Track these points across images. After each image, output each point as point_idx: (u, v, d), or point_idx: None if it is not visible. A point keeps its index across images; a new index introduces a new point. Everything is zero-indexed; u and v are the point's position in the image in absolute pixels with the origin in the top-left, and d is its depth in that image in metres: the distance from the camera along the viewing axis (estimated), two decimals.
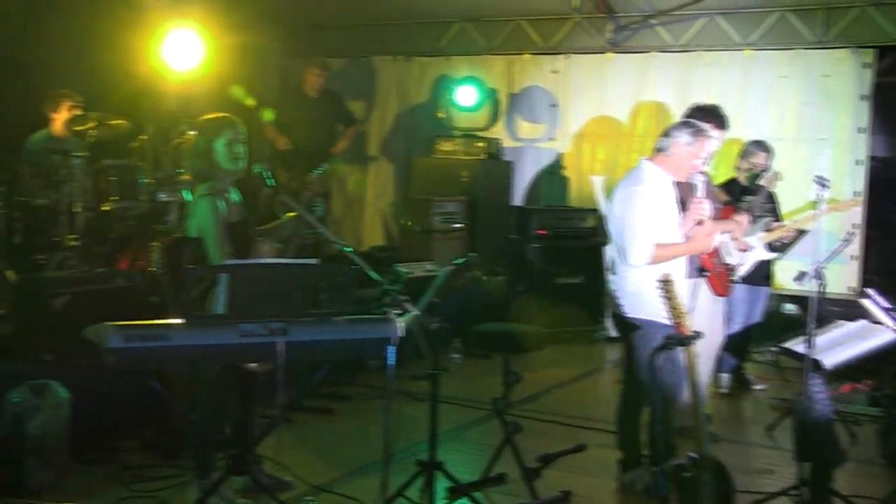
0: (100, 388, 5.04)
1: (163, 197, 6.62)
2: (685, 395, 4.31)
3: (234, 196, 4.48)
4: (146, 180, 6.64)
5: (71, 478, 4.70)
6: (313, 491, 4.60)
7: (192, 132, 6.88)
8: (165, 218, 6.61)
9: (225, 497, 4.34)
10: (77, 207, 6.31)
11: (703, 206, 4.64)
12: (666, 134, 4.71)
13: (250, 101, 7.61)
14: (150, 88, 7.93)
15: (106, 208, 6.48)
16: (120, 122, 6.88)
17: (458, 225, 8.86)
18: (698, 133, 4.64)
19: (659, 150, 4.70)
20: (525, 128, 9.83)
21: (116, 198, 6.48)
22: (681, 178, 4.68)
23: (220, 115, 4.55)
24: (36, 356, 5.18)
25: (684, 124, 4.74)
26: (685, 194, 4.69)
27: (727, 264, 5.32)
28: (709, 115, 5.32)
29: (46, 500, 4.34)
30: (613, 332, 8.58)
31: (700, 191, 4.70)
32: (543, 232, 8.67)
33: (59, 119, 6.99)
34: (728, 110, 5.64)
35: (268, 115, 8.52)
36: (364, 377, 6.75)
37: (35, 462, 4.51)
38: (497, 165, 9.54)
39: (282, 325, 3.64)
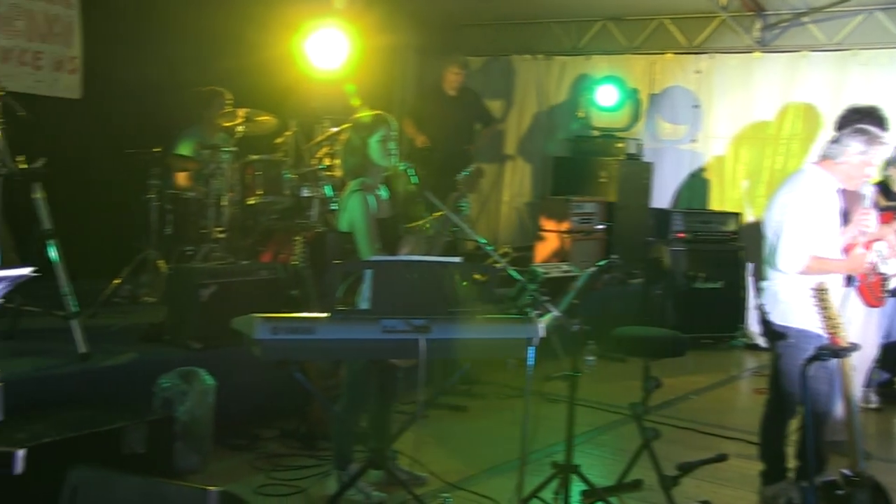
0: (244, 376, 5.19)
1: (305, 192, 6.74)
2: (837, 408, 4.14)
3: (383, 193, 4.55)
4: (290, 175, 6.78)
5: (215, 462, 4.86)
6: (448, 488, 4.61)
7: (334, 129, 7.06)
8: (308, 213, 6.74)
9: (361, 489, 4.40)
10: (224, 201, 6.49)
11: (870, 218, 4.42)
12: (836, 140, 4.44)
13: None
14: (295, 85, 8.13)
15: (251, 202, 6.64)
16: (266, 118, 7.04)
17: (600, 227, 8.78)
18: (873, 140, 4.38)
19: (827, 156, 4.47)
20: (666, 129, 9.64)
21: (261, 192, 6.63)
22: (850, 187, 4.44)
23: (375, 112, 4.63)
24: (184, 344, 5.36)
25: (858, 131, 4.44)
26: (850, 204, 4.46)
27: (882, 273, 5.08)
28: (868, 117, 5.07)
29: (192, 482, 4.48)
30: (753, 340, 8.39)
31: (868, 201, 4.47)
32: (683, 235, 8.50)
33: (210, 115, 7.20)
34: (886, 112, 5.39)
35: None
36: (497, 376, 6.76)
37: (182, 445, 4.67)
38: (636, 166, 9.38)
39: (424, 323, 3.66)
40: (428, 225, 4.55)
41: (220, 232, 6.43)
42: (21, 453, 2.41)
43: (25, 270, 2.10)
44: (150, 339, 5.55)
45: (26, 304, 5.13)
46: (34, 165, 5.04)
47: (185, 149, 7.08)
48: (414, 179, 4.45)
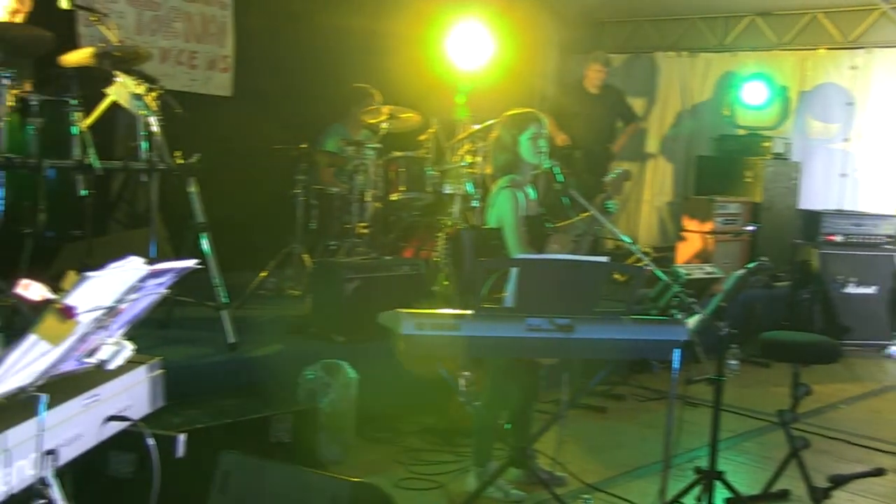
0: (385, 370, 5.25)
1: (447, 189, 6.79)
2: None
3: (531, 191, 4.54)
4: (432, 172, 6.84)
5: (356, 454, 4.94)
6: (588, 489, 4.56)
7: (475, 126, 7.08)
8: (449, 209, 6.78)
9: (500, 487, 4.40)
10: (368, 197, 6.59)
11: None
12: None
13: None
14: (438, 82, 8.19)
15: (394, 198, 6.73)
16: (410, 115, 7.11)
17: (747, 228, 8.54)
18: None
19: None
20: (816, 127, 9.30)
21: (404, 188, 6.71)
22: None
23: (526, 110, 4.63)
24: (328, 337, 5.47)
25: None
26: None
27: None
28: None
29: (335, 472, 4.57)
30: None
31: None
32: (833, 237, 8.19)
33: (356, 112, 7.33)
34: None
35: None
36: (635, 377, 6.66)
37: (326, 436, 4.76)
38: (784, 166, 9.07)
39: (569, 322, 3.62)
40: (574, 225, 4.51)
41: (364, 227, 6.53)
42: (182, 437, 2.49)
43: (189, 263, 2.18)
44: (295, 331, 5.69)
45: (180, 294, 5.32)
46: (190, 161, 5.21)
47: (330, 145, 7.22)
48: (560, 178, 4.42)
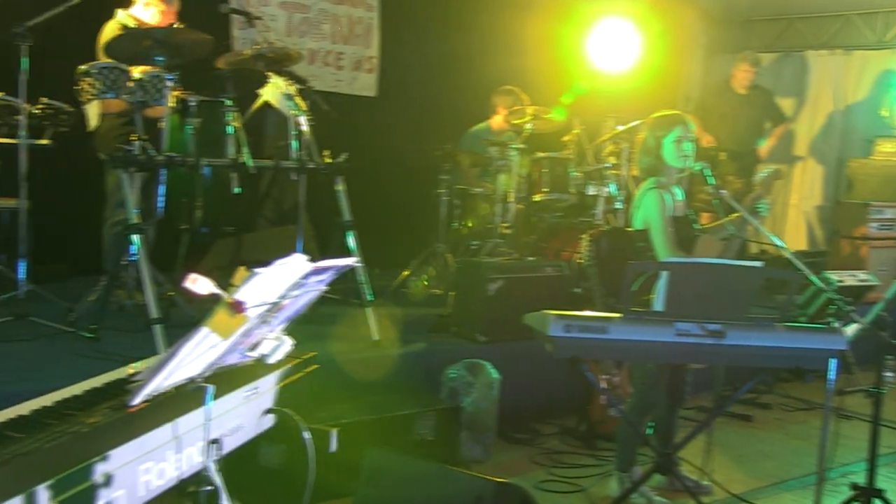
0: (526, 371, 5.25)
1: (591, 190, 6.73)
2: None
3: (679, 192, 4.45)
4: (576, 173, 6.78)
5: (496, 454, 4.95)
6: (734, 500, 4.44)
7: (619, 127, 6.99)
8: (592, 211, 6.72)
9: (644, 493, 4.33)
10: (511, 197, 6.59)
11: None
12: None
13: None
14: (581, 83, 8.13)
15: (537, 199, 6.69)
16: (554, 115, 7.07)
17: None
18: None
19: None
20: None
21: (547, 189, 6.66)
22: None
23: (672, 112, 4.54)
24: (471, 336, 5.49)
25: None
26: None
27: None
28: None
29: (476, 472, 4.59)
30: None
31: None
32: None
33: (501, 112, 7.34)
34: None
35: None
36: (781, 386, 6.46)
37: (467, 435, 4.78)
38: None
39: (720, 328, 3.53)
40: (723, 226, 4.40)
41: (506, 228, 6.54)
42: (335, 433, 2.54)
43: (350, 261, 2.22)
44: (437, 329, 5.73)
45: (327, 291, 5.42)
46: (338, 160, 5.31)
47: (474, 146, 7.25)
48: (711, 180, 4.31)
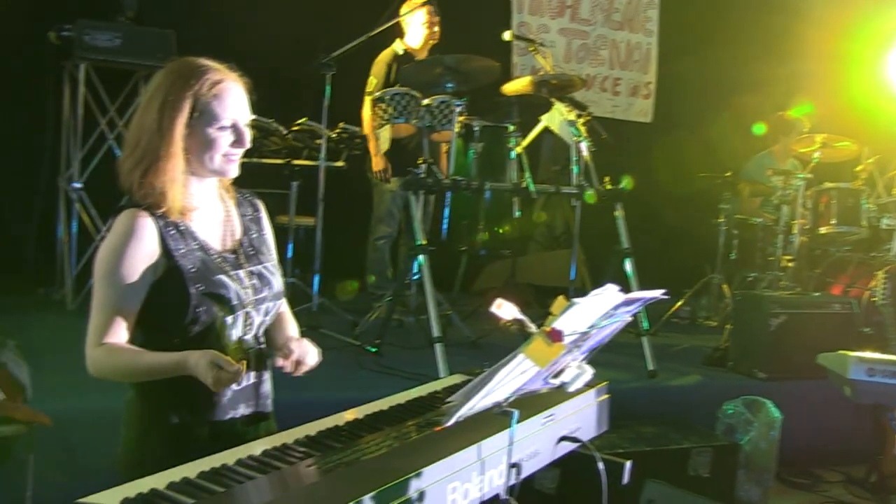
0: (809, 412, 4.98)
1: (885, 223, 6.31)
2: None
3: None
4: (869, 205, 6.38)
5: (773, 498, 4.72)
6: None
7: None
8: (887, 245, 6.30)
9: None
10: (794, 229, 6.30)
11: None
12: None
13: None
14: (876, 107, 7.67)
15: (823, 231, 6.36)
16: (846, 144, 6.69)
17: None
18: None
19: None
20: None
21: (835, 221, 6.32)
22: None
23: None
24: (749, 372, 5.28)
25: None
26: None
27: None
28: None
29: None
30: None
31: None
32: None
33: (788, 141, 7.05)
34: None
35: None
36: None
37: (744, 475, 4.59)
38: None
39: None
40: None
41: (789, 260, 6.25)
42: (629, 464, 2.50)
43: (658, 293, 2.17)
44: (713, 363, 5.56)
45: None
46: (618, 186, 5.27)
47: (756, 174, 7.00)
48: None
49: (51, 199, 5.78)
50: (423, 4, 5.82)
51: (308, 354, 2.34)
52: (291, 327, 2.50)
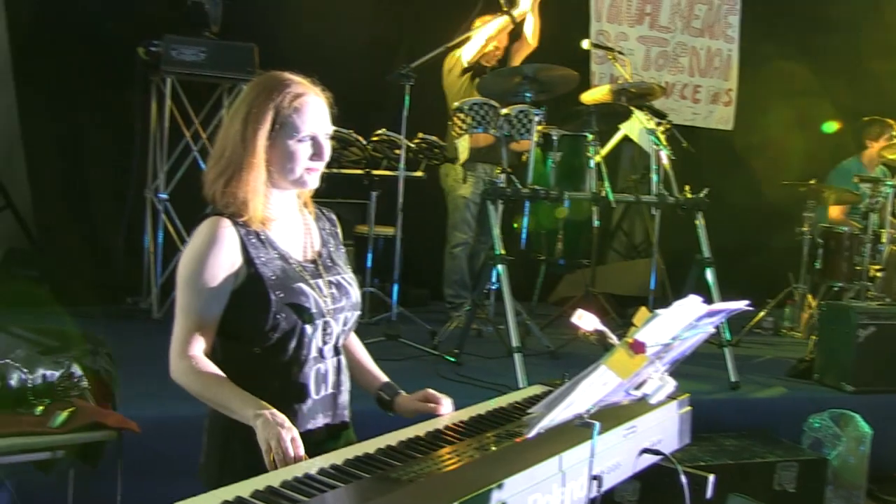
0: None
1: None
2: None
3: None
4: None
5: None
6: None
7: None
8: None
9: None
10: (883, 238, 6.14)
11: None
12: None
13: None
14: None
15: None
16: None
17: None
18: None
19: None
20: None
21: None
22: None
23: None
24: (836, 384, 5.16)
25: None
26: None
27: None
28: None
29: None
30: None
31: None
32: None
33: (875, 147, 6.89)
34: None
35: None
36: None
37: (832, 491, 4.49)
38: None
39: None
40: None
41: (877, 270, 6.10)
42: (713, 478, 2.45)
43: (742, 304, 2.13)
44: (798, 375, 5.45)
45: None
46: (698, 195, 5.20)
47: (841, 181, 6.84)
48: None
49: (138, 209, 5.92)
50: (503, 13, 5.79)
51: (444, 398, 2.42)
52: (372, 364, 2.55)
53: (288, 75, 2.27)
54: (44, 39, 6.04)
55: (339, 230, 2.50)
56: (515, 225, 5.23)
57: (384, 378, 2.53)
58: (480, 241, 6.30)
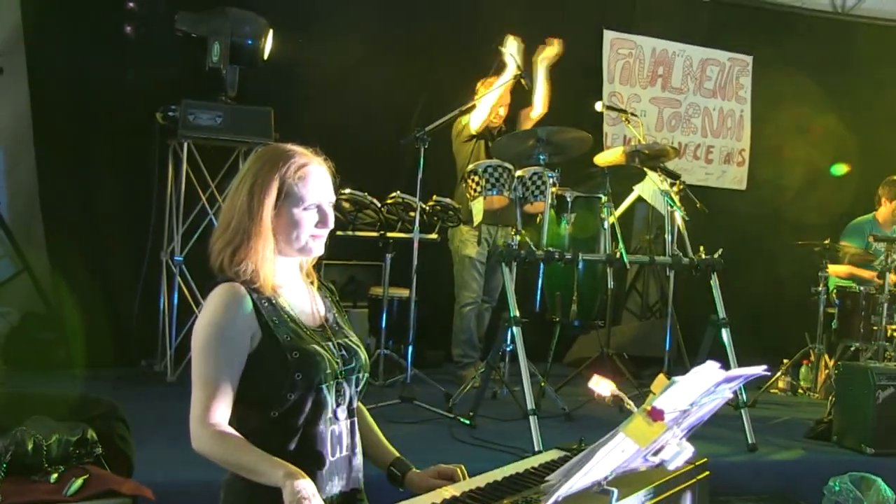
0: None
1: None
2: None
3: None
4: None
5: None
6: None
7: None
8: None
9: None
10: None
11: None
12: None
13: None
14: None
15: None
16: None
17: None
18: None
19: None
20: None
21: None
22: None
23: None
24: (856, 446, 5.09)
25: None
26: None
27: None
28: None
29: None
30: None
31: None
32: None
33: (891, 206, 6.89)
34: None
35: None
36: None
37: None
38: None
39: None
40: None
41: (895, 330, 6.06)
42: None
43: (759, 369, 2.13)
44: (816, 436, 5.38)
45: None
46: (713, 256, 5.19)
47: (856, 241, 6.83)
48: None
49: (154, 272, 5.95)
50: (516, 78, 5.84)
51: (457, 472, 2.42)
52: (382, 438, 2.55)
53: (291, 146, 2.35)
54: (64, 103, 6.15)
55: (337, 298, 2.55)
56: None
57: (395, 453, 2.52)
58: (485, 301, 6.31)
